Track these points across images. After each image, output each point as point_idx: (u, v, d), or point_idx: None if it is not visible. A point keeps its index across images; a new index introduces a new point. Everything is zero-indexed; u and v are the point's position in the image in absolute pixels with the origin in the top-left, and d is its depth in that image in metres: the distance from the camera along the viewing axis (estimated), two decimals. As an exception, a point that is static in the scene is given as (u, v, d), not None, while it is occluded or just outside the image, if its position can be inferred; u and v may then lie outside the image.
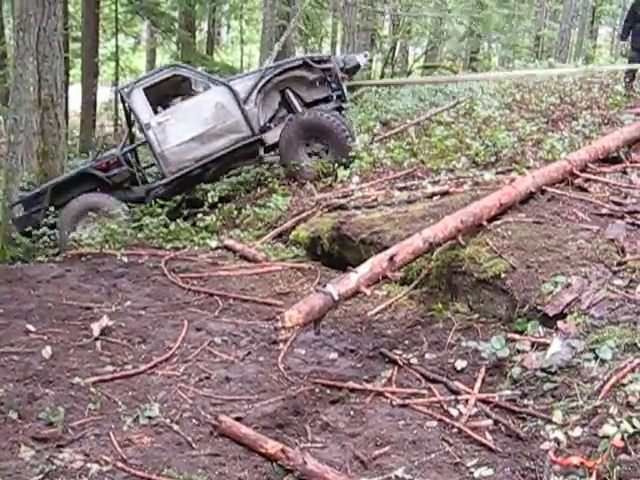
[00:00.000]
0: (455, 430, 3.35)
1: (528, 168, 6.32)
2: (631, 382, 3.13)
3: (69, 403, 3.61)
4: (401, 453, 3.21)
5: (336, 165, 8.08)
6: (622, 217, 4.83)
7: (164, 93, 8.92)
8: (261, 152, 8.74)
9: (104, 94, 20.06)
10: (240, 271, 5.87)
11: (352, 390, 3.83)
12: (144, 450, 3.24)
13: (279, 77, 8.61)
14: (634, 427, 2.83)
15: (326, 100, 8.81)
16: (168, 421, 3.51)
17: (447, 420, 3.44)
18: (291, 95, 8.76)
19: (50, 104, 8.94)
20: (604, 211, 4.98)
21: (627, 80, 9.73)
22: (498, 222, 4.87)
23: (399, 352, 4.23)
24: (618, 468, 2.69)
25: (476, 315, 4.48)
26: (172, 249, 6.76)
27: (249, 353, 4.39)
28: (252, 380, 4.00)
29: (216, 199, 8.41)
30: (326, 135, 8.27)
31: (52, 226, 8.05)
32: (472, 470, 3.02)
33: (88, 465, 3.06)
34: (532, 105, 9.18)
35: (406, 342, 4.39)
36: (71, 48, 17.93)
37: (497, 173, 6.48)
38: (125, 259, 6.21)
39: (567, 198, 5.21)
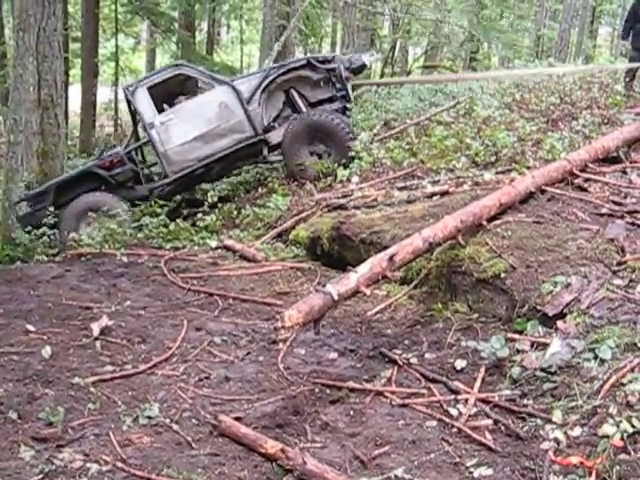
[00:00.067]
0: (455, 430, 3.35)
1: (528, 168, 6.32)
2: (631, 382, 3.13)
3: (69, 403, 3.61)
4: (401, 453, 3.21)
5: (336, 165, 8.07)
6: (622, 217, 4.83)
7: (171, 91, 8.88)
8: (265, 152, 8.71)
9: (104, 94, 20.01)
10: (240, 271, 5.88)
11: (352, 390, 3.83)
12: (144, 450, 3.24)
13: (283, 77, 8.60)
14: (634, 427, 2.83)
15: (330, 100, 8.79)
16: (168, 421, 3.51)
17: (447, 420, 3.44)
18: (295, 95, 8.74)
19: (50, 104, 8.92)
20: (604, 211, 4.98)
21: (627, 80, 9.71)
22: (498, 222, 4.87)
23: (399, 352, 4.23)
24: (618, 468, 2.69)
25: (476, 315, 4.48)
26: (172, 249, 6.76)
27: (249, 353, 4.39)
28: (252, 380, 4.00)
29: (216, 199, 8.40)
30: (329, 136, 8.26)
31: (52, 226, 8.03)
32: (472, 470, 3.03)
33: (88, 465, 3.06)
34: (532, 105, 9.16)
35: (406, 342, 4.39)
36: (71, 48, 17.90)
37: (497, 173, 6.47)
38: (125, 259, 6.21)
39: (567, 198, 5.21)
